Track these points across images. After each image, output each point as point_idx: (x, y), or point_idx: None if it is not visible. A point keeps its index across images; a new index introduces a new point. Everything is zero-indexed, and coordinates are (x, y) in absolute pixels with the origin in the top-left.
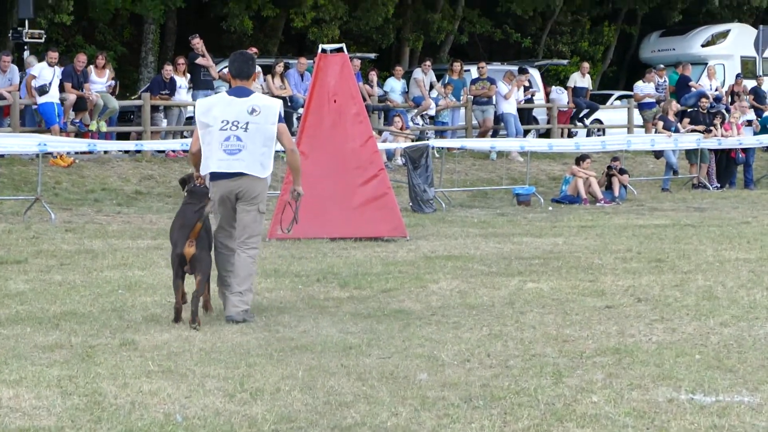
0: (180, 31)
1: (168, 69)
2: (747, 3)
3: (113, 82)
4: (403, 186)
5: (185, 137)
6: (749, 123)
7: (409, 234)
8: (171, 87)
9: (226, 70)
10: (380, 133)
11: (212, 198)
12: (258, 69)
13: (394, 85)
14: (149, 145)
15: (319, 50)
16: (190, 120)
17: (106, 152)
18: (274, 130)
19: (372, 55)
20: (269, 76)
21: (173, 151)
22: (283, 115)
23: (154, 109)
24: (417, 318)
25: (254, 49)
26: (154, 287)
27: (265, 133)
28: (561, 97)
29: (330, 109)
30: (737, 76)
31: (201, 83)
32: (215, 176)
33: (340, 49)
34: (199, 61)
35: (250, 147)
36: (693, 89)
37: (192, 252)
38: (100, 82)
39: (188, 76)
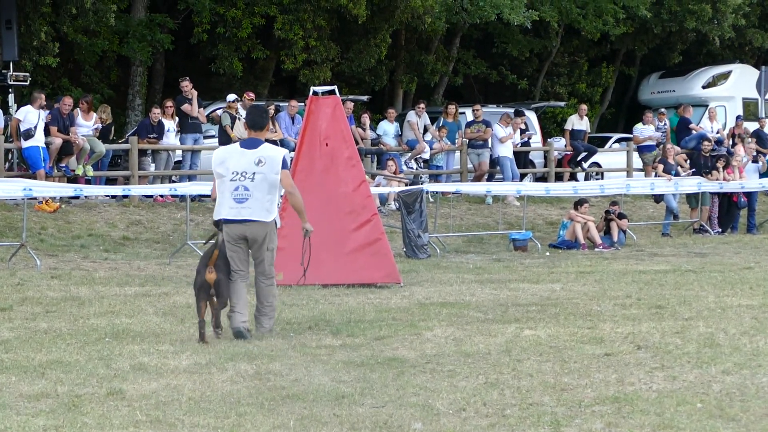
0: (168, 74)
1: (156, 112)
2: (749, 43)
3: (100, 125)
4: (397, 231)
5: (173, 182)
6: (755, 160)
7: (402, 280)
8: (159, 130)
9: (220, 112)
10: (373, 177)
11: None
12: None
13: (387, 128)
14: (137, 189)
15: (311, 92)
16: (178, 164)
17: (90, 197)
18: (278, 179)
19: (364, 98)
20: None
21: (161, 196)
22: (288, 161)
23: (142, 153)
24: (411, 366)
25: (251, 95)
26: (141, 335)
27: (270, 181)
28: (559, 145)
29: (321, 152)
30: (737, 118)
31: (189, 126)
32: (227, 221)
33: (331, 92)
34: (184, 108)
35: (257, 195)
36: (693, 132)
37: (213, 278)
38: (86, 125)
39: (176, 119)
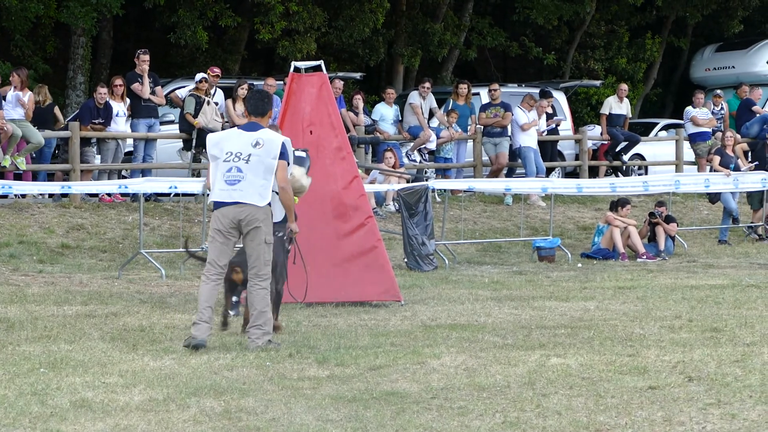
0: (117, 45)
1: (102, 92)
2: None
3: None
4: (397, 238)
5: (123, 177)
6: None
7: (403, 298)
8: (106, 114)
9: (182, 93)
10: (368, 171)
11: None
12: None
13: (385, 112)
14: (78, 187)
15: (292, 69)
16: (130, 156)
17: (24, 196)
18: (275, 164)
19: (357, 75)
20: (229, 101)
21: (108, 194)
22: (290, 152)
23: (85, 142)
24: (414, 402)
25: (216, 70)
26: (84, 365)
27: (266, 165)
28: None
29: (305, 142)
30: None
31: (142, 110)
32: (217, 205)
33: (317, 68)
34: (134, 87)
35: (250, 178)
36: (757, 115)
37: (240, 278)
38: (16, 106)
39: (127, 101)
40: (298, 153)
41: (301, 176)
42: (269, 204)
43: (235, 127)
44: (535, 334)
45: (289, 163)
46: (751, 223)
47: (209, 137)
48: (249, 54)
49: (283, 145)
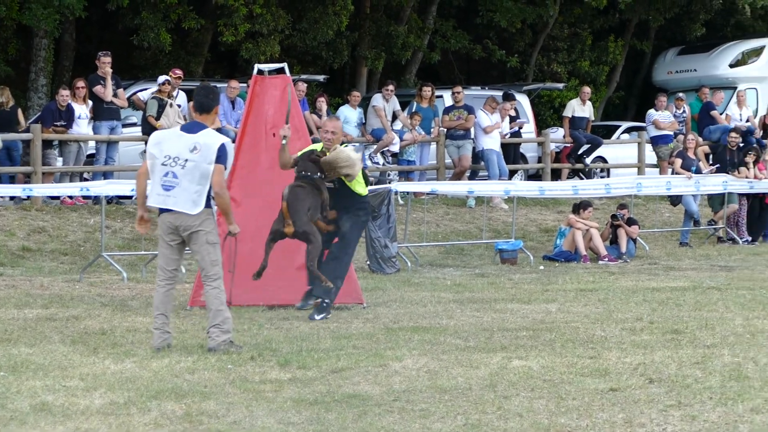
0: (80, 47)
1: (64, 94)
2: None
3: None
4: (359, 240)
5: (85, 180)
6: None
7: (366, 300)
8: (68, 117)
9: (144, 95)
10: None
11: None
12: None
13: (349, 115)
14: (40, 189)
15: (255, 71)
16: (92, 158)
17: None
18: (211, 169)
19: (321, 77)
20: (192, 104)
21: (70, 197)
22: (229, 153)
23: (47, 144)
24: (375, 404)
25: (178, 72)
26: (44, 368)
27: (202, 171)
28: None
29: (268, 144)
30: None
31: (105, 112)
32: (159, 210)
33: (280, 70)
34: (96, 90)
35: (184, 184)
36: (717, 122)
37: (291, 230)
38: None
39: (89, 103)
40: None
41: (352, 152)
42: (210, 205)
43: (177, 128)
44: (497, 337)
45: (226, 167)
46: (713, 223)
47: (152, 135)
48: (212, 56)
49: (222, 148)
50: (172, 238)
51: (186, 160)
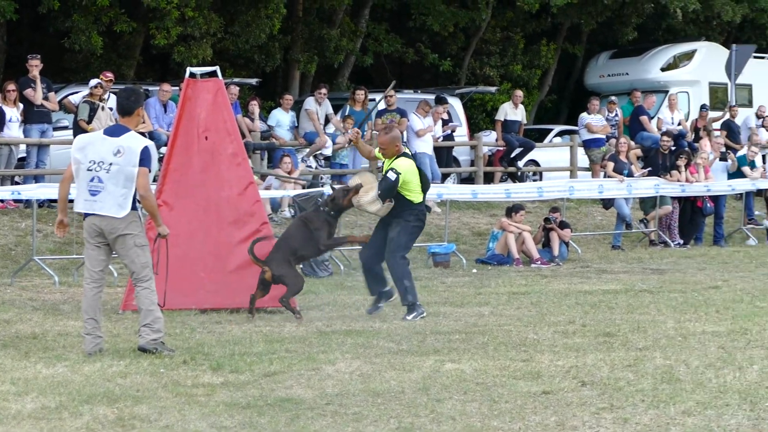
0: (10, 50)
1: None
2: (717, 17)
3: None
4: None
5: (16, 183)
6: (723, 157)
7: (298, 304)
8: None
9: (75, 99)
10: (263, 177)
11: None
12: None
13: (281, 118)
14: None
15: (187, 74)
16: (23, 161)
17: None
18: (135, 172)
19: (253, 81)
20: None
21: (1, 200)
22: (152, 156)
23: None
24: (308, 408)
25: (109, 74)
26: None
27: (126, 174)
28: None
29: (200, 147)
30: (702, 108)
31: (35, 116)
32: (85, 214)
33: (213, 73)
34: (26, 93)
35: (110, 188)
36: (647, 128)
37: (269, 275)
38: None
39: (20, 106)
40: (389, 175)
41: (371, 202)
42: (136, 208)
43: (101, 132)
44: (430, 340)
45: (150, 170)
46: (644, 221)
47: (75, 140)
48: (144, 59)
49: (145, 151)
50: (98, 241)
51: (110, 164)
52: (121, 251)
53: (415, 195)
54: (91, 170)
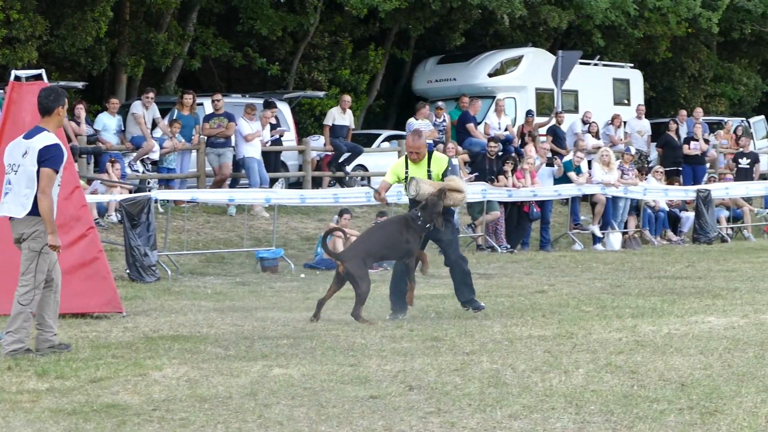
0: None
1: None
2: (543, 23)
3: None
4: (119, 249)
5: None
6: (549, 162)
7: (125, 309)
8: None
9: None
10: (89, 182)
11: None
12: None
13: (108, 122)
14: None
15: (12, 77)
16: None
17: None
18: (35, 172)
19: (79, 84)
20: None
21: None
22: (59, 156)
23: None
24: (135, 414)
25: None
26: None
27: (29, 175)
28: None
29: None
30: (528, 113)
31: None
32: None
33: (38, 76)
34: None
35: (16, 189)
36: (472, 135)
37: (341, 269)
38: None
39: None
40: (452, 161)
41: (462, 183)
42: (36, 211)
43: (22, 135)
44: (258, 345)
45: (57, 170)
46: (472, 226)
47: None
48: None
49: (45, 151)
50: (19, 246)
51: (19, 166)
52: (21, 252)
53: None
54: (8, 173)
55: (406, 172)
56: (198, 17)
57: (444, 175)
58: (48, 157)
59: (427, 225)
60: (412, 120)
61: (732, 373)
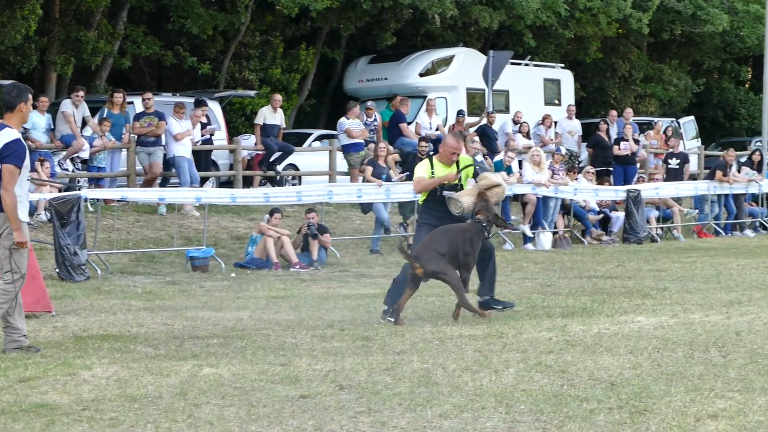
0: None
1: None
2: (474, 23)
3: None
4: (48, 248)
5: None
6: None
7: (55, 308)
8: None
9: None
10: None
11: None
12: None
13: (37, 121)
14: None
15: None
16: None
17: None
18: None
19: (8, 83)
20: None
21: None
22: (21, 152)
23: None
24: (64, 414)
25: None
26: None
27: None
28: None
29: None
30: (459, 113)
31: None
32: None
33: None
34: None
35: None
36: (404, 135)
37: (420, 271)
38: None
39: None
40: (479, 159)
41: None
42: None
43: None
44: (188, 344)
45: (19, 167)
46: (403, 225)
47: None
48: None
49: (6, 147)
50: None
51: None
52: None
53: None
54: None
55: (432, 173)
56: (128, 16)
57: (476, 175)
58: (9, 154)
59: (485, 224)
60: (343, 119)
61: (661, 372)
